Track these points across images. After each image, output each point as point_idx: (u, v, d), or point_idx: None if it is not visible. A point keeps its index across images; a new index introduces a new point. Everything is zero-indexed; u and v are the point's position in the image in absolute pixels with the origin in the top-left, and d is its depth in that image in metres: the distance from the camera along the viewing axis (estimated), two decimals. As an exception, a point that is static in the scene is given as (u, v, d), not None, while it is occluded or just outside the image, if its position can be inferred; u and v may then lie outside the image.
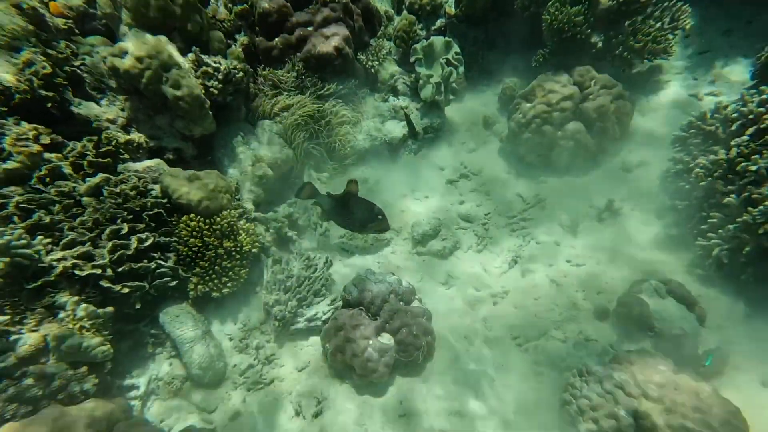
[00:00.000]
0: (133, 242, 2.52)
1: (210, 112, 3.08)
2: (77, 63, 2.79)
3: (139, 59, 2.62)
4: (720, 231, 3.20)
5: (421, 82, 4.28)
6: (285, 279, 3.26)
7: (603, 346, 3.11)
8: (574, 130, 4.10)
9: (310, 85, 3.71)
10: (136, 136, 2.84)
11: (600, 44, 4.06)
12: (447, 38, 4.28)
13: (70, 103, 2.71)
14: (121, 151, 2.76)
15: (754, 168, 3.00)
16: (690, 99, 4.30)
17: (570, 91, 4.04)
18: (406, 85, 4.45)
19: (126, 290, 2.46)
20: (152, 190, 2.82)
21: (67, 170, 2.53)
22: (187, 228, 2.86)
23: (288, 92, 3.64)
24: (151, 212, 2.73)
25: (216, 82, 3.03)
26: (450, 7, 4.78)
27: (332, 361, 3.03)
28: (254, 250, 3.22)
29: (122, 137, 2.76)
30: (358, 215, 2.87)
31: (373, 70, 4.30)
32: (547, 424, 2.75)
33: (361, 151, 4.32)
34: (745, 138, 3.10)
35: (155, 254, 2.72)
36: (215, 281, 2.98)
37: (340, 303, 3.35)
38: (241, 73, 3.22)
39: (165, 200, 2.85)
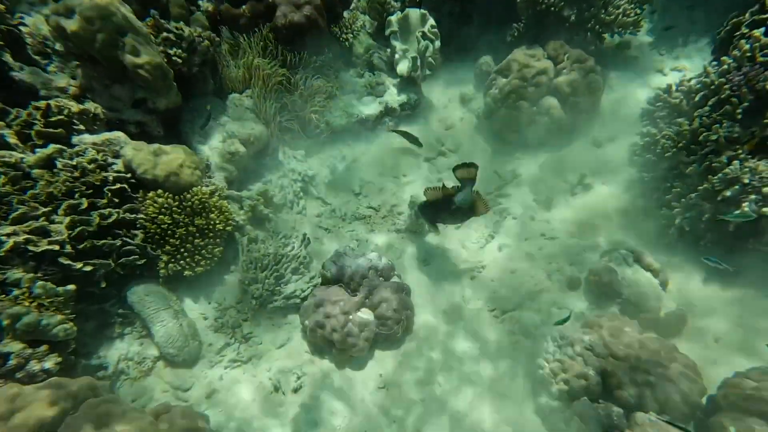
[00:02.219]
0: (95, 218, 2.37)
1: (174, 84, 2.89)
2: (14, 22, 2.52)
3: (88, 20, 2.39)
4: (682, 200, 3.35)
5: (397, 56, 4.19)
6: (261, 257, 3.18)
7: (573, 312, 3.23)
8: (548, 105, 4.14)
9: (281, 56, 3.54)
10: (92, 106, 2.63)
11: (573, 17, 4.08)
12: (422, 10, 4.18)
13: (10, 68, 2.46)
14: (75, 121, 2.55)
15: (714, 137, 3.13)
16: (656, 74, 4.43)
17: (544, 65, 4.06)
18: (382, 60, 4.34)
19: (88, 268, 2.33)
20: (113, 164, 2.65)
21: (12, 140, 2.32)
22: (155, 204, 2.73)
23: (255, 60, 3.45)
24: (113, 187, 2.57)
25: (179, 51, 2.83)
26: (425, -21, 4.65)
27: (312, 337, 3.02)
28: (228, 228, 3.12)
29: (75, 107, 2.54)
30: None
31: (347, 44, 4.17)
32: (523, 389, 2.86)
33: (337, 128, 4.22)
34: (706, 109, 3.21)
35: (120, 231, 2.58)
36: (187, 260, 2.88)
37: (319, 280, 3.33)
38: (206, 42, 3.02)
39: (129, 175, 2.70)
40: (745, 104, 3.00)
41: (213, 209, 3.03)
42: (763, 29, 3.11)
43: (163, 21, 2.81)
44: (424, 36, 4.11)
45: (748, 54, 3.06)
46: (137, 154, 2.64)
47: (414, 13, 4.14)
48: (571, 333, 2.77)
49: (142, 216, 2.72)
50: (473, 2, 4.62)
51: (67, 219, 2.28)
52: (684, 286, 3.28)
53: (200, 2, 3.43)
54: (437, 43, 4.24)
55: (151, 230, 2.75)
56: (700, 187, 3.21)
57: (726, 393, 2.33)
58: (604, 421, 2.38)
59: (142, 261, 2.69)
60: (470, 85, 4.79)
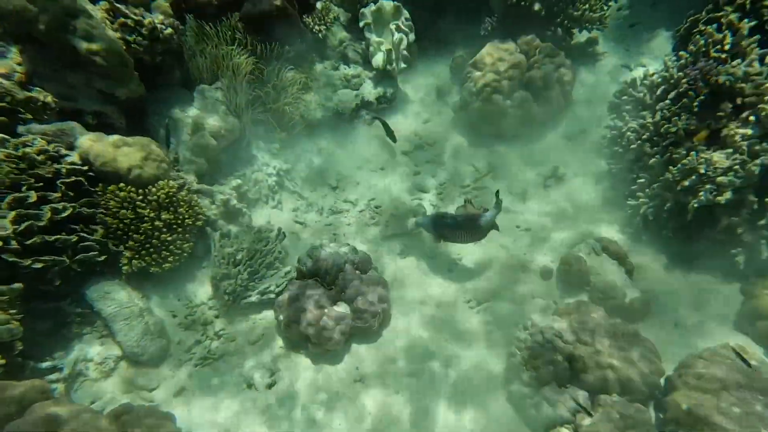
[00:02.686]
0: (46, 212, 2.24)
1: (135, 73, 2.76)
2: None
3: None
4: (646, 190, 3.49)
5: (371, 49, 4.16)
6: (235, 252, 3.11)
7: (547, 302, 3.33)
8: (522, 98, 4.21)
9: (251, 46, 3.45)
10: (41, 94, 2.47)
11: (543, 12, 4.16)
12: (396, 2, 4.16)
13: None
14: (21, 110, 2.39)
15: (673, 130, 3.27)
16: (623, 69, 4.58)
17: (517, 59, 4.13)
18: (356, 52, 4.30)
19: (39, 265, 2.21)
20: (67, 156, 2.51)
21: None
22: (117, 198, 2.61)
23: (226, 52, 3.35)
24: (68, 180, 2.44)
25: (140, 38, 2.70)
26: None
27: (287, 332, 2.99)
28: (198, 223, 3.02)
29: (20, 94, 2.38)
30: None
31: (321, 35, 4.10)
32: (497, 378, 2.92)
33: (313, 121, 4.16)
34: (667, 102, 3.35)
35: (77, 227, 2.45)
36: (153, 256, 2.78)
37: (295, 275, 3.29)
38: (170, 29, 2.90)
39: (86, 168, 2.56)
40: (701, 97, 3.15)
41: (182, 203, 2.93)
42: (715, 26, 3.26)
43: (120, 6, 2.67)
44: (398, 29, 4.09)
45: (703, 49, 3.21)
46: (94, 145, 2.51)
47: (388, 5, 4.12)
48: (541, 321, 2.85)
49: (102, 211, 2.59)
50: (448, -5, 4.64)
51: (12, 213, 2.15)
52: (648, 274, 3.42)
53: None
54: (412, 36, 4.23)
55: (113, 225, 2.63)
56: (662, 178, 3.35)
57: (680, 373, 2.46)
58: (571, 405, 2.47)
59: (103, 257, 2.57)
60: (446, 78, 4.82)
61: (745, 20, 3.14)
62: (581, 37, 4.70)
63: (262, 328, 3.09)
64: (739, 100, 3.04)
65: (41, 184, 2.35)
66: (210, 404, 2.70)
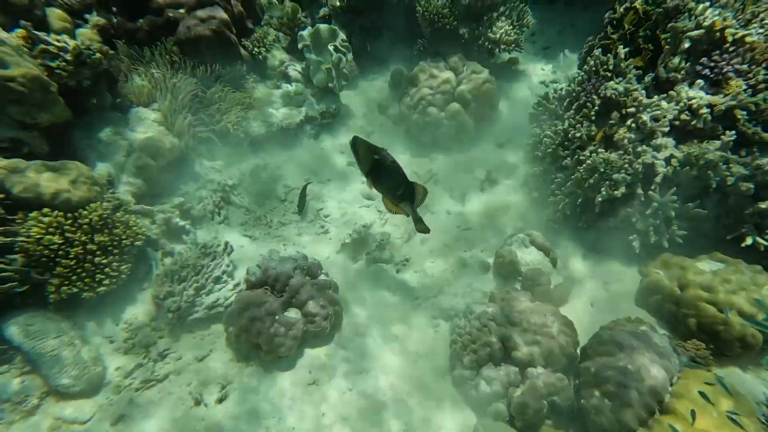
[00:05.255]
0: None
1: (60, 98, 2.73)
2: None
3: None
4: (563, 188, 3.99)
5: (312, 68, 4.39)
6: (179, 269, 3.10)
7: (485, 292, 3.65)
8: (454, 110, 4.65)
9: (188, 69, 3.52)
10: None
11: (467, 35, 4.66)
12: (332, 26, 4.44)
13: None
14: None
15: (578, 135, 3.80)
16: (540, 84, 5.21)
17: (447, 75, 4.57)
18: (297, 71, 4.51)
19: None
20: None
21: None
22: (41, 224, 2.53)
23: (161, 74, 3.39)
24: None
25: (63, 63, 2.69)
26: (333, 0, 4.97)
27: (237, 343, 3.00)
28: (137, 243, 2.99)
29: None
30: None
31: (261, 57, 4.26)
32: (442, 366, 3.15)
33: (258, 137, 4.27)
34: (571, 112, 3.90)
35: None
36: (86, 280, 2.70)
37: (245, 286, 3.32)
38: (98, 54, 2.91)
39: (2, 196, 2.48)
40: (596, 108, 3.72)
41: (117, 224, 2.89)
42: (600, 50, 3.89)
43: (39, 33, 2.65)
44: (336, 49, 4.37)
45: (594, 69, 3.81)
46: (10, 174, 2.43)
47: (324, 28, 4.39)
48: (477, 308, 3.15)
49: (22, 239, 2.50)
50: (382, 18, 5.02)
51: None
52: (568, 262, 3.88)
53: (87, 16, 3.26)
54: (350, 56, 4.53)
55: (36, 252, 2.53)
56: (573, 177, 3.86)
57: (591, 343, 2.85)
58: (504, 380, 2.76)
59: (23, 288, 2.46)
60: (386, 94, 5.16)
61: (621, 46, 3.79)
62: (503, 57, 5.29)
63: (210, 344, 3.07)
64: (623, 111, 3.64)
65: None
66: (154, 428, 2.61)
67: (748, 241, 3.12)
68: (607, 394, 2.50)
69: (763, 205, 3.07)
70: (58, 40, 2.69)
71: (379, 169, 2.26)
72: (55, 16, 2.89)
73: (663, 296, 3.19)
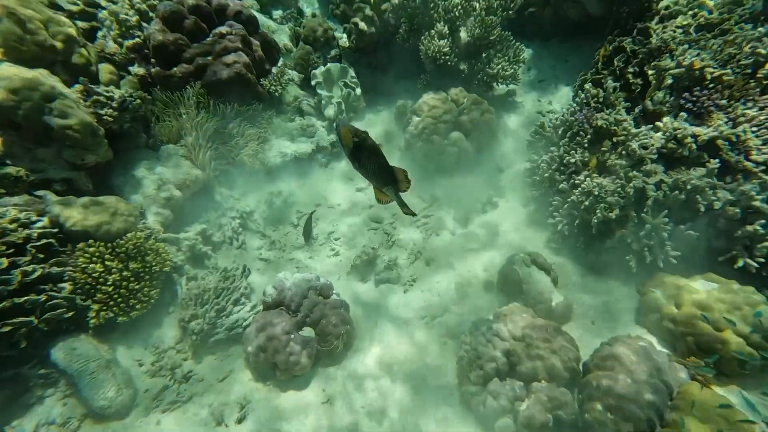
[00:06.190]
0: (17, 276, 2.40)
1: (105, 140, 3.08)
2: None
3: (13, 91, 2.57)
4: (561, 210, 4.21)
5: (323, 102, 4.76)
6: (202, 293, 3.32)
7: (489, 309, 3.80)
8: (456, 138, 4.95)
9: (210, 107, 3.89)
10: (13, 170, 2.74)
11: (467, 70, 5.03)
12: (342, 64, 4.85)
13: None
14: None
15: (573, 160, 4.06)
16: (537, 114, 5.54)
17: (449, 106, 4.91)
18: (310, 106, 4.88)
19: (6, 329, 2.31)
20: (39, 221, 2.73)
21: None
22: (86, 254, 2.81)
23: (189, 114, 3.77)
24: (38, 243, 2.63)
25: (110, 110, 3.06)
26: (343, 42, 5.42)
27: (255, 362, 3.16)
28: (165, 269, 3.23)
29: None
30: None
31: (277, 94, 4.65)
32: (450, 382, 3.28)
33: (273, 167, 4.59)
34: (566, 140, 4.18)
35: (45, 287, 2.59)
36: (121, 305, 2.94)
37: (261, 307, 3.52)
38: (138, 101, 3.29)
39: (56, 230, 2.77)
40: (588, 136, 4.00)
41: (149, 252, 3.15)
42: (591, 84, 4.21)
43: (93, 86, 3.03)
44: (346, 85, 4.75)
45: (585, 101, 4.12)
46: (64, 209, 2.74)
47: (335, 67, 4.80)
48: (482, 324, 3.31)
49: (70, 268, 2.75)
50: (388, 57, 5.45)
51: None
52: (568, 281, 4.04)
53: (131, 68, 3.69)
54: (358, 90, 4.91)
55: (81, 280, 2.78)
56: (570, 199, 4.09)
57: (592, 357, 2.98)
58: (510, 395, 2.89)
59: (70, 314, 2.68)
60: (392, 125, 5.51)
61: (610, 81, 4.11)
62: (502, 89, 5.66)
63: (230, 364, 3.24)
64: (614, 139, 3.91)
65: (12, 250, 2.51)
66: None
67: (740, 262, 3.28)
68: (609, 408, 2.62)
69: (750, 228, 3.25)
70: (107, 91, 3.07)
71: (360, 152, 2.40)
72: (105, 70, 3.30)
73: (661, 315, 3.33)
